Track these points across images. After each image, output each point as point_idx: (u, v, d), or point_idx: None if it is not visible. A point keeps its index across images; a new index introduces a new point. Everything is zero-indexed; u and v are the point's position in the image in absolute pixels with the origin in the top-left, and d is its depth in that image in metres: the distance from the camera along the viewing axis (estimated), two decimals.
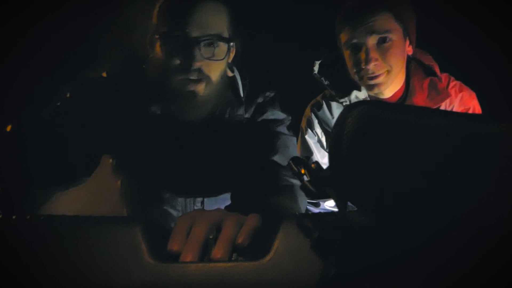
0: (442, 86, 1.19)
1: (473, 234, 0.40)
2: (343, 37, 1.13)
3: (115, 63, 1.01)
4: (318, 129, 1.28)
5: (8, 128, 0.86)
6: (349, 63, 1.15)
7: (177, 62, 0.87)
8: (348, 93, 1.19)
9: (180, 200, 1.01)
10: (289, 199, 0.86)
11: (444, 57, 1.37)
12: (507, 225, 0.40)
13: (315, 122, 1.28)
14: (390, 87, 1.15)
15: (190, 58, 0.85)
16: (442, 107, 1.19)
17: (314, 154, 1.28)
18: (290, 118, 1.02)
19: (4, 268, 0.44)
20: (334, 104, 1.26)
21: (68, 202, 0.91)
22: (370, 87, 1.14)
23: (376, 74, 1.09)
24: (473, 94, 1.23)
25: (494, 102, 1.35)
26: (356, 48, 1.10)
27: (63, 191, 0.89)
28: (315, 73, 1.24)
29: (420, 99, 1.17)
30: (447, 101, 1.19)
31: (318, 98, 1.31)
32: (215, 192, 1.01)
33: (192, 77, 0.87)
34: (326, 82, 1.24)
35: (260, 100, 1.00)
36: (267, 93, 1.01)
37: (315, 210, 1.27)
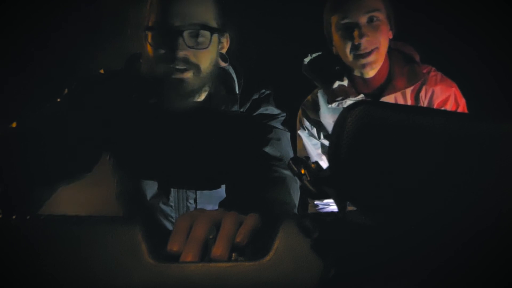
0: (421, 70, 1.26)
1: (473, 234, 0.40)
2: (335, 19, 1.21)
3: (113, 60, 1.02)
4: (307, 123, 1.37)
5: (14, 125, 0.87)
6: (341, 44, 1.21)
7: (162, 52, 0.88)
8: (331, 84, 1.29)
9: (173, 194, 1.01)
10: (284, 192, 0.88)
11: (444, 57, 1.38)
12: (507, 225, 0.40)
13: (304, 117, 1.38)
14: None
15: (174, 48, 0.86)
16: (422, 93, 1.26)
17: (306, 147, 1.37)
18: (285, 114, 1.03)
19: (4, 268, 0.44)
20: (320, 97, 1.34)
21: (68, 202, 0.91)
22: (362, 66, 1.21)
23: (368, 50, 1.18)
24: (454, 84, 1.28)
25: (494, 102, 1.36)
26: (349, 27, 1.18)
27: (65, 185, 0.90)
28: (304, 70, 1.34)
29: (400, 83, 1.25)
30: (427, 87, 1.26)
31: (308, 97, 1.40)
32: (208, 186, 1.01)
33: (178, 66, 0.88)
34: (312, 76, 1.33)
35: (255, 96, 1.02)
36: (263, 91, 1.03)
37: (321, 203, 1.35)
